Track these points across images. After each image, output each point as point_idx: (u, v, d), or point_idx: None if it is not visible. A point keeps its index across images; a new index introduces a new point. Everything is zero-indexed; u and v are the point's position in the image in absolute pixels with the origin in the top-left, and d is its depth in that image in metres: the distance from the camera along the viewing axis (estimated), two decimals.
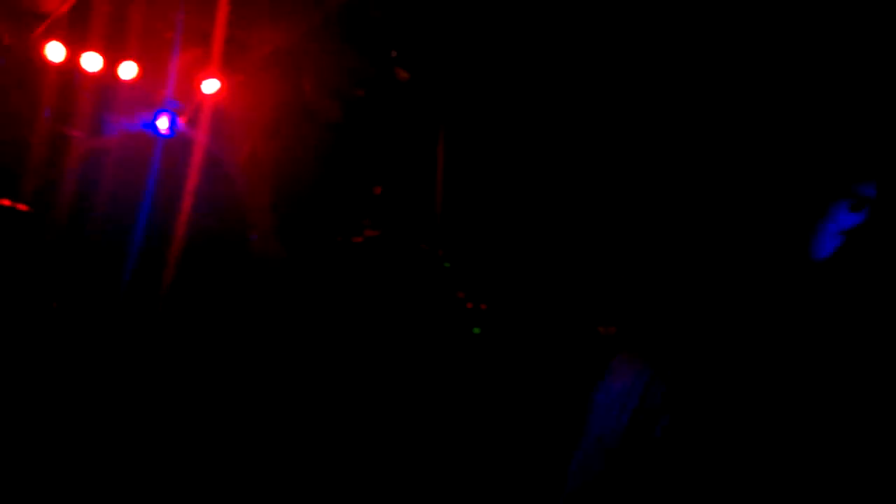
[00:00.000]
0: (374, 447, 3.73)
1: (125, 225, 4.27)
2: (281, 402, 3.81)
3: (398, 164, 4.83)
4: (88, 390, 3.51)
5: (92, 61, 4.77)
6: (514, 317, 4.70)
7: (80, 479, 3.05)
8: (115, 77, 4.81)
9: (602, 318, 4.65)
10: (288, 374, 4.00)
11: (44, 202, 4.45)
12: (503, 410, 4.25)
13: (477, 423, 4.17)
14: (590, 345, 4.58)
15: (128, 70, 4.82)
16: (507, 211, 4.77)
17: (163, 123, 4.75)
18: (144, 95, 4.83)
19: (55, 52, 4.71)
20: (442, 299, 4.69)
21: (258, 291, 4.32)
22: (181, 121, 4.89)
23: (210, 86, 4.99)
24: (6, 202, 4.16)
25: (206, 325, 3.99)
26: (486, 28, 4.69)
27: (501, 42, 4.62)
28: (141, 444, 3.31)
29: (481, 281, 4.74)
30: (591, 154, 4.57)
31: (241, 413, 3.63)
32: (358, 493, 3.34)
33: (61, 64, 4.73)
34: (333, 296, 4.46)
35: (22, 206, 4.19)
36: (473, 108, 4.79)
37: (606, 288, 4.69)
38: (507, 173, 4.77)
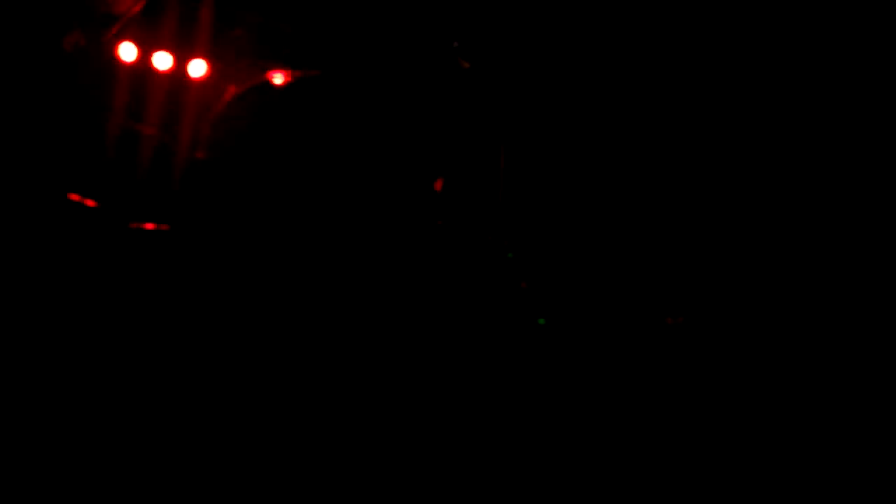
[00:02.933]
0: (441, 432, 3.82)
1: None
2: (342, 388, 3.87)
3: (460, 154, 4.80)
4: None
5: (163, 60, 4.89)
6: (580, 307, 4.63)
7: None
8: (186, 75, 4.93)
9: (669, 307, 4.54)
10: (348, 360, 4.07)
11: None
12: (566, 401, 4.20)
13: (537, 412, 4.13)
14: (657, 335, 4.47)
15: (197, 68, 4.93)
16: (571, 200, 4.69)
17: None
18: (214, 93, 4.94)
19: (128, 52, 4.86)
20: (506, 290, 4.65)
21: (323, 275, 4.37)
22: None
23: (279, 78, 5.05)
24: (76, 197, 4.32)
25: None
26: (550, 18, 4.62)
27: (563, 31, 4.55)
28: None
29: (546, 271, 4.67)
30: (655, 140, 4.46)
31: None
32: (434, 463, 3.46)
33: (133, 63, 4.87)
34: (396, 285, 4.47)
35: (90, 202, 4.34)
36: (536, 96, 4.73)
37: (673, 277, 4.57)
38: (571, 161, 4.69)
